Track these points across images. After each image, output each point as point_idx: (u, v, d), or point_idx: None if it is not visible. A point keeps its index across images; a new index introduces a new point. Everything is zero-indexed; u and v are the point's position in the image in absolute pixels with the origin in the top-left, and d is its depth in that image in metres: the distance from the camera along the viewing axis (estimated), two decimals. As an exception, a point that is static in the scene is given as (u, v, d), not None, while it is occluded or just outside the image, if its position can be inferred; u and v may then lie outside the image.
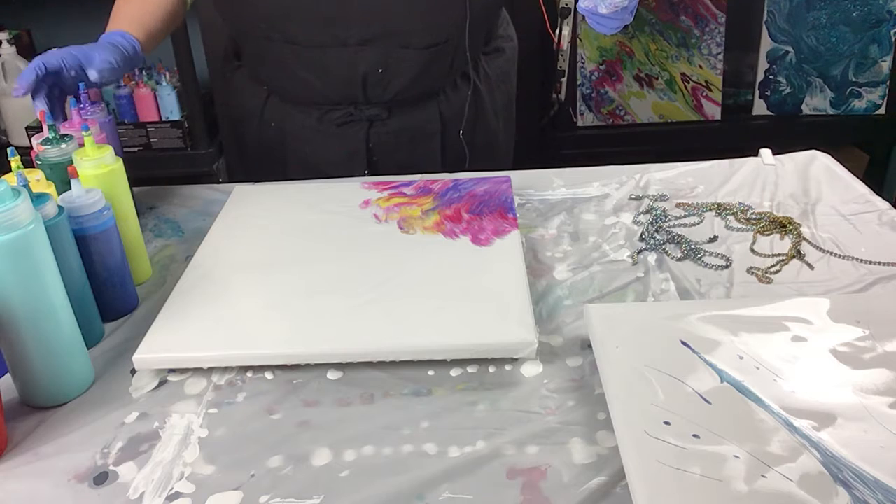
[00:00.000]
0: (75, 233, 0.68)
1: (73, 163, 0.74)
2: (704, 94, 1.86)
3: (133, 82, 1.78)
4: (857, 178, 0.97)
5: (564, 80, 1.79)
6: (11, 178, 0.68)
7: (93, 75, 0.87)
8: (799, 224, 0.86)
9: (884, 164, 1.94)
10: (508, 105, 1.18)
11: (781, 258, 0.81)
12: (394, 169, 1.06)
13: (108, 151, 0.75)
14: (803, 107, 1.88)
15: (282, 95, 1.07)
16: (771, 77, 1.86)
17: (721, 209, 0.90)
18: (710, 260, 0.81)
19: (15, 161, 0.71)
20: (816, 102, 1.87)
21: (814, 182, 0.96)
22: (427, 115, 1.06)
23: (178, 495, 0.55)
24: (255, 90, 1.09)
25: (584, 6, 0.82)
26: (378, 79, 1.00)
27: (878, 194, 0.92)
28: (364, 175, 1.06)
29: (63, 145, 0.77)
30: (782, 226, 0.86)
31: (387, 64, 0.99)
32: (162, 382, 0.66)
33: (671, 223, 0.88)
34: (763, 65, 1.85)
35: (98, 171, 0.73)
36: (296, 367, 0.67)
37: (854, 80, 1.85)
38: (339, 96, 1.03)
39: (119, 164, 0.75)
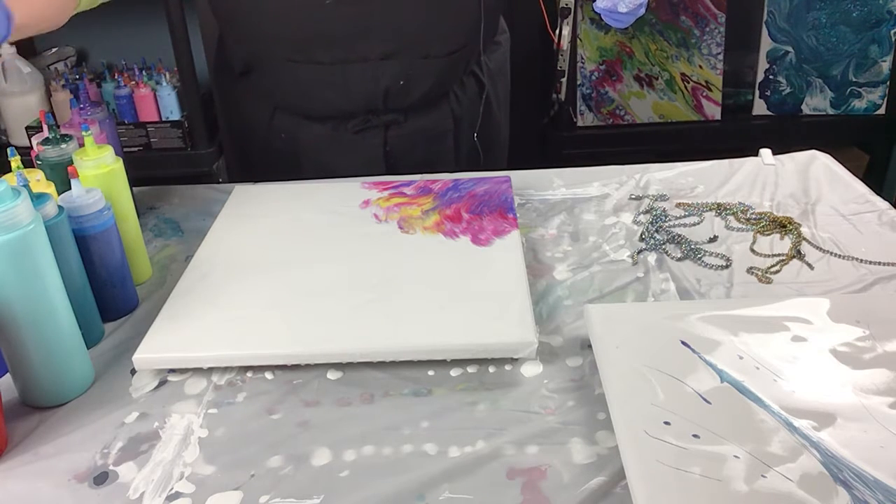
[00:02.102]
0: (75, 233, 0.68)
1: (73, 163, 0.74)
2: (704, 94, 1.86)
3: (133, 82, 1.78)
4: (857, 178, 0.97)
5: (564, 80, 1.79)
6: (11, 178, 0.68)
7: None
8: (799, 224, 0.86)
9: (884, 164, 1.94)
10: (507, 96, 1.19)
11: (781, 258, 0.81)
12: (410, 169, 1.06)
13: (108, 151, 0.75)
14: (803, 107, 1.88)
15: (294, 112, 1.05)
16: (771, 77, 1.86)
17: (721, 209, 0.90)
18: (710, 260, 0.81)
19: (15, 161, 0.71)
20: (816, 102, 1.87)
21: (814, 182, 0.96)
22: (440, 114, 1.07)
23: (178, 495, 0.55)
24: (261, 103, 1.07)
25: (602, 6, 0.82)
26: (399, 90, 1.00)
27: (878, 194, 0.92)
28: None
29: (63, 145, 0.77)
30: (782, 226, 0.86)
31: (408, 75, 0.99)
32: (162, 382, 0.66)
33: (671, 223, 0.88)
34: (763, 65, 1.85)
35: (98, 171, 0.73)
36: (296, 367, 0.67)
37: (854, 80, 1.85)
38: (359, 109, 1.02)
39: (119, 164, 0.75)
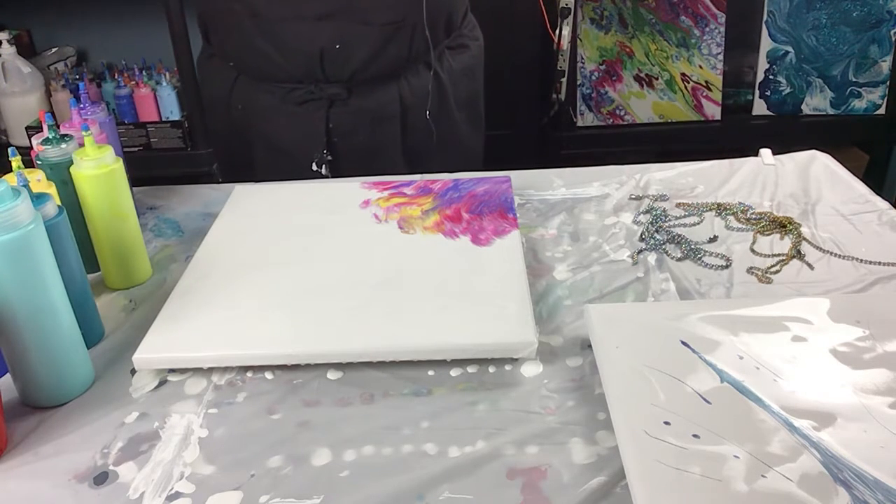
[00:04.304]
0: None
1: (73, 163, 0.74)
2: (704, 94, 1.86)
3: (133, 82, 1.78)
4: (857, 178, 0.97)
5: (564, 80, 1.79)
6: (11, 178, 0.68)
7: None
8: (799, 224, 0.86)
9: (884, 164, 1.94)
10: (473, 102, 1.19)
11: (781, 258, 0.81)
12: (354, 151, 1.08)
13: (108, 151, 0.75)
14: (803, 107, 1.88)
15: (247, 73, 1.09)
16: (771, 77, 1.86)
17: (721, 209, 0.90)
18: (710, 260, 0.81)
19: (15, 161, 0.71)
20: (816, 102, 1.87)
21: (814, 182, 0.96)
22: (387, 97, 1.07)
23: (178, 495, 0.55)
24: (224, 74, 1.11)
25: None
26: (335, 55, 1.01)
27: (878, 194, 0.92)
28: (323, 155, 1.08)
29: (63, 145, 0.77)
30: (782, 226, 0.86)
31: (344, 40, 1.00)
32: (162, 382, 0.66)
33: (671, 223, 0.88)
34: (763, 65, 1.85)
35: (98, 171, 0.73)
36: (296, 367, 0.67)
37: (854, 80, 1.85)
38: (300, 72, 1.04)
39: (119, 164, 0.75)
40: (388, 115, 1.08)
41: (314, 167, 1.09)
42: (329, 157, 1.08)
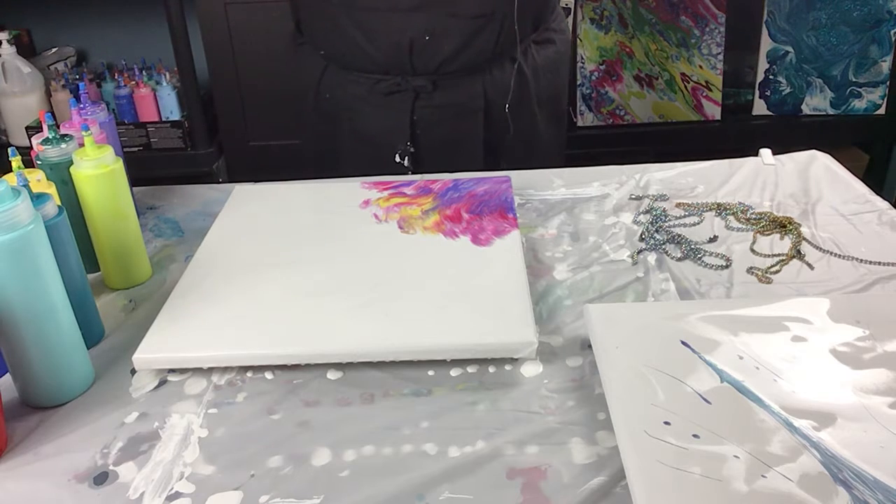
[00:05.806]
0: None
1: (73, 163, 0.74)
2: (704, 94, 1.86)
3: (133, 82, 1.78)
4: (857, 178, 0.97)
5: (564, 80, 1.79)
6: (11, 178, 0.68)
7: None
8: (799, 224, 0.86)
9: (884, 164, 1.94)
10: (556, 97, 1.19)
11: (781, 258, 0.81)
12: (435, 144, 1.09)
13: (108, 151, 0.75)
14: (803, 107, 1.88)
15: (336, 61, 1.10)
16: (771, 77, 1.86)
17: (721, 209, 0.90)
18: (710, 260, 0.81)
19: (15, 161, 0.71)
20: (816, 102, 1.87)
21: (814, 182, 0.96)
22: (472, 91, 1.08)
23: (178, 495, 0.55)
24: (314, 63, 1.13)
25: None
26: (424, 46, 1.02)
27: (878, 194, 0.92)
28: (407, 146, 1.09)
29: (63, 145, 0.77)
30: (782, 226, 0.86)
31: (433, 31, 1.01)
32: (162, 382, 0.66)
33: (671, 223, 0.88)
34: (763, 65, 1.85)
35: (98, 171, 0.73)
36: (296, 367, 0.67)
37: (854, 80, 1.85)
38: (388, 63, 1.05)
39: (119, 164, 0.75)
40: (471, 110, 1.09)
41: (397, 159, 1.09)
42: (412, 150, 1.09)
